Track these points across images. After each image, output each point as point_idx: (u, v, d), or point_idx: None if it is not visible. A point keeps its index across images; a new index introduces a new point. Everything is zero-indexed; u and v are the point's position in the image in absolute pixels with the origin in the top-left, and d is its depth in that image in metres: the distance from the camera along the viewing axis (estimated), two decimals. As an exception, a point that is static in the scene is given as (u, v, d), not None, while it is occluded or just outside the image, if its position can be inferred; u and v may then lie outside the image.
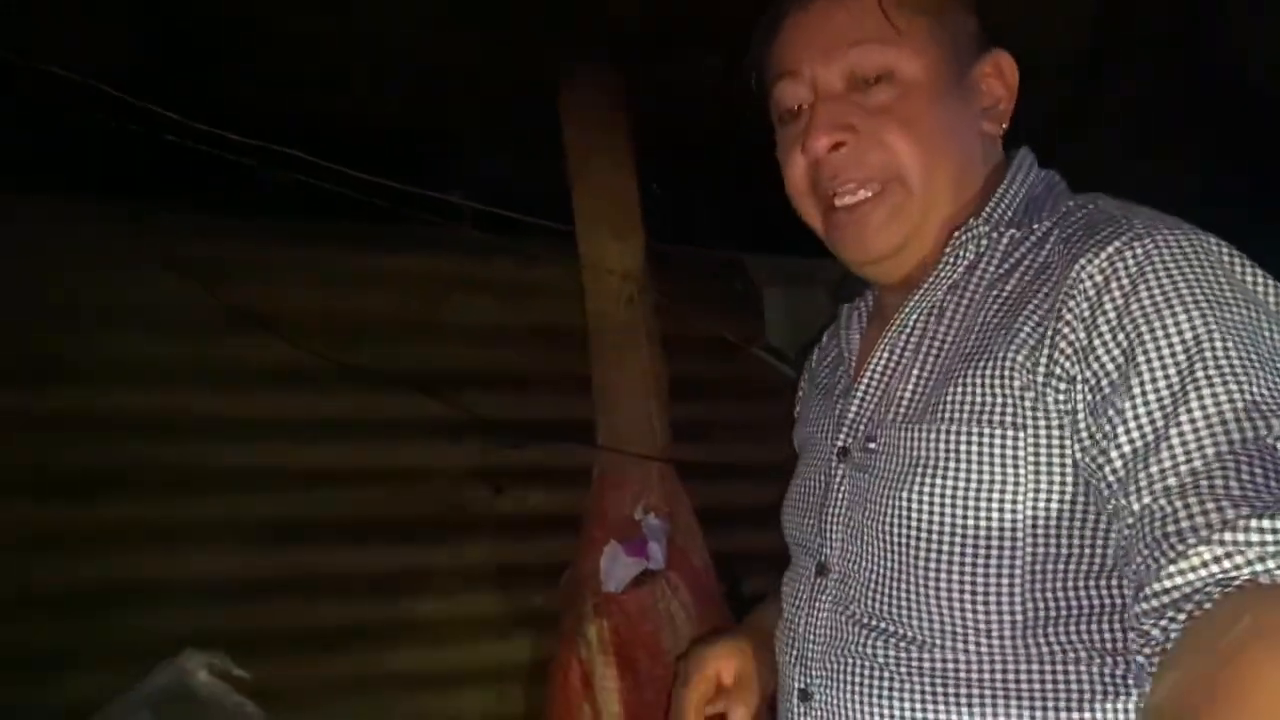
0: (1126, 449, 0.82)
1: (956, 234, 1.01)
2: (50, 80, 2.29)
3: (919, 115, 0.99)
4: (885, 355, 1.04)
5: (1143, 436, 0.82)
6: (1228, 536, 0.74)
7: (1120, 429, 0.83)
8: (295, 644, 2.79)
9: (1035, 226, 0.98)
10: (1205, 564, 0.75)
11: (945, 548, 0.93)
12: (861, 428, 1.03)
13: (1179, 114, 3.03)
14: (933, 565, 0.93)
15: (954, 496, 0.92)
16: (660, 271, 3.11)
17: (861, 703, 0.96)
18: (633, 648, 2.45)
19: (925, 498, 0.93)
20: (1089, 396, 0.86)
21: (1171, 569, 0.76)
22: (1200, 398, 0.79)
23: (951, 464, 0.92)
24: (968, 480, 0.92)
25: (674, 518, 2.66)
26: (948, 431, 0.93)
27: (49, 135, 2.54)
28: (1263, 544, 0.72)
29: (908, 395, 0.99)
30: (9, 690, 2.48)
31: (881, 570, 0.97)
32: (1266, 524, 0.73)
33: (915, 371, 1.00)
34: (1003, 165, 1.06)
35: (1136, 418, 0.82)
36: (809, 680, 1.03)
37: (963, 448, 0.92)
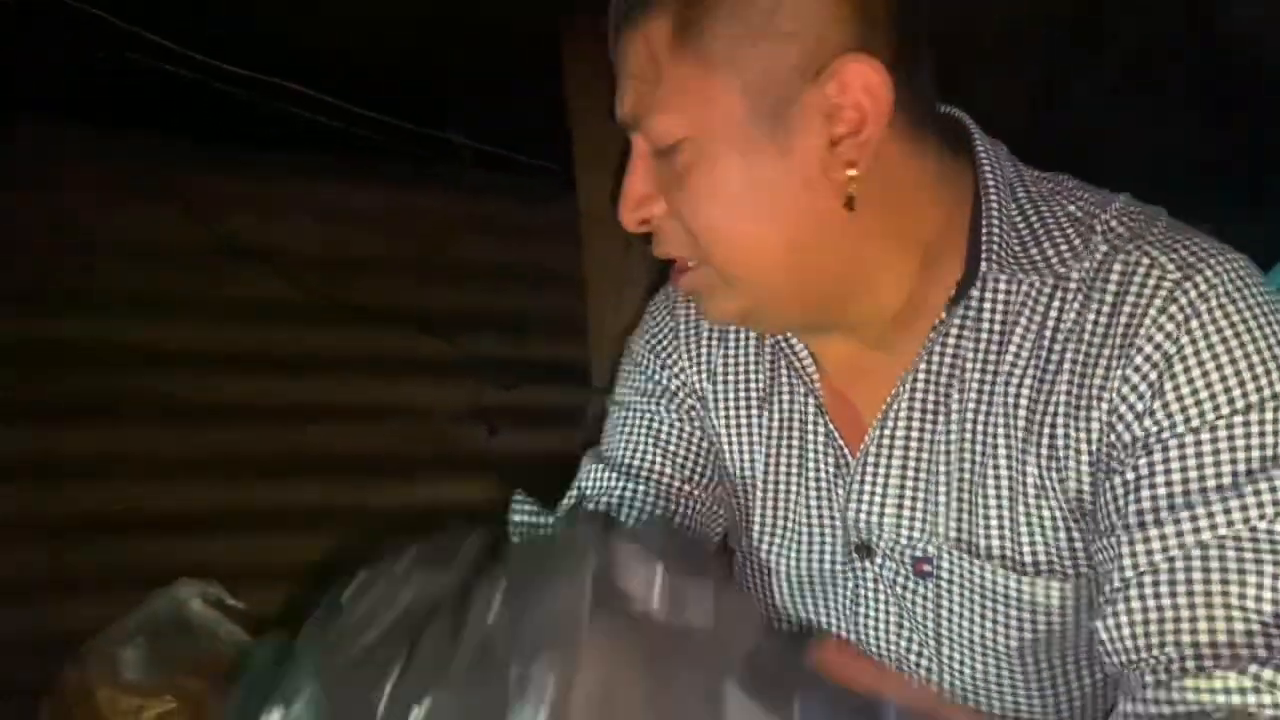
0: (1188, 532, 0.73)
1: (949, 309, 0.83)
2: (52, 9, 2.26)
3: (709, 186, 0.80)
4: (896, 429, 0.86)
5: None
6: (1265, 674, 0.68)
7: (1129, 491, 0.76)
8: (289, 578, 2.82)
9: (1049, 263, 0.80)
10: (1229, 691, 0.69)
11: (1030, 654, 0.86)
12: (897, 539, 0.86)
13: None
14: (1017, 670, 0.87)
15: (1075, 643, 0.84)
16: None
17: None
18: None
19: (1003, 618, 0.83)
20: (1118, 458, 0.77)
21: (1189, 683, 0.70)
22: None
23: (1047, 625, 0.82)
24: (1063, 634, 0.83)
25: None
26: (1031, 583, 0.81)
27: (49, 64, 2.52)
28: None
29: (938, 508, 0.84)
30: (11, 618, 2.52)
31: (976, 677, 0.88)
32: None
33: (943, 464, 0.84)
34: (960, 174, 0.85)
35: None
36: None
37: (1054, 598, 0.81)
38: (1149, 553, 0.72)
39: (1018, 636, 0.84)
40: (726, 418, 0.97)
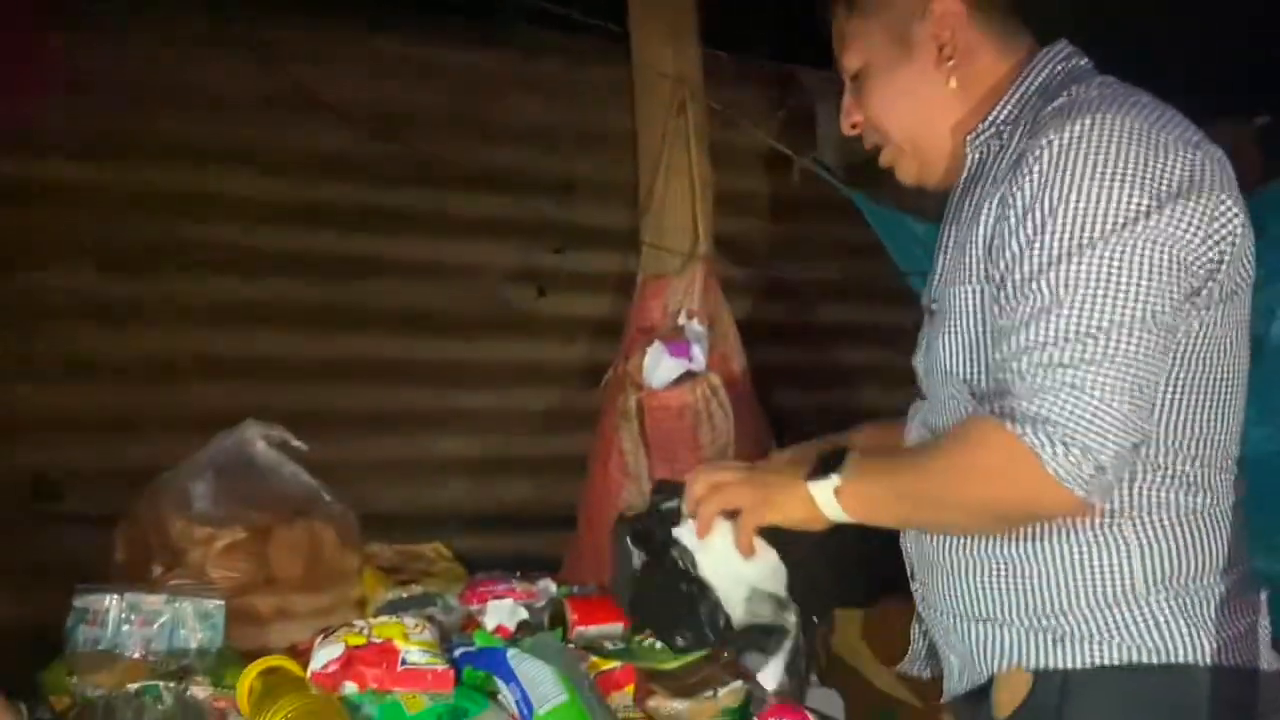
0: (1010, 288, 1.13)
1: (969, 139, 1.28)
2: None
3: (877, 93, 1.31)
4: (942, 243, 1.32)
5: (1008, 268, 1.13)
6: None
7: (1001, 259, 1.15)
8: (347, 425, 2.93)
9: (1029, 117, 1.21)
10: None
11: (976, 370, 1.23)
12: (932, 292, 1.32)
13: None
14: (978, 384, 1.22)
15: (971, 349, 1.23)
16: (712, 80, 3.06)
17: None
18: (673, 442, 2.55)
19: (953, 354, 1.24)
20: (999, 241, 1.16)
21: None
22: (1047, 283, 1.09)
23: (960, 326, 1.23)
24: (971, 334, 1.22)
25: (715, 325, 2.71)
26: (956, 293, 1.23)
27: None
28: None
29: (941, 265, 1.30)
30: (82, 452, 2.65)
31: (945, 410, 1.26)
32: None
33: (947, 251, 1.29)
34: (1022, 64, 1.28)
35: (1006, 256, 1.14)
36: None
37: (965, 303, 1.22)
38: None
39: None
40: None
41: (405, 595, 1.92)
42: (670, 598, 1.28)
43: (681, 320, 2.67)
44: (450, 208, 3.12)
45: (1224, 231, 1.10)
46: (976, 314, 1.20)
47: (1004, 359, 1.11)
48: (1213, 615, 1.16)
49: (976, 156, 1.27)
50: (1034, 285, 1.09)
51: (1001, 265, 1.13)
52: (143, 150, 2.75)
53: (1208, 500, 1.18)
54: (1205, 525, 1.17)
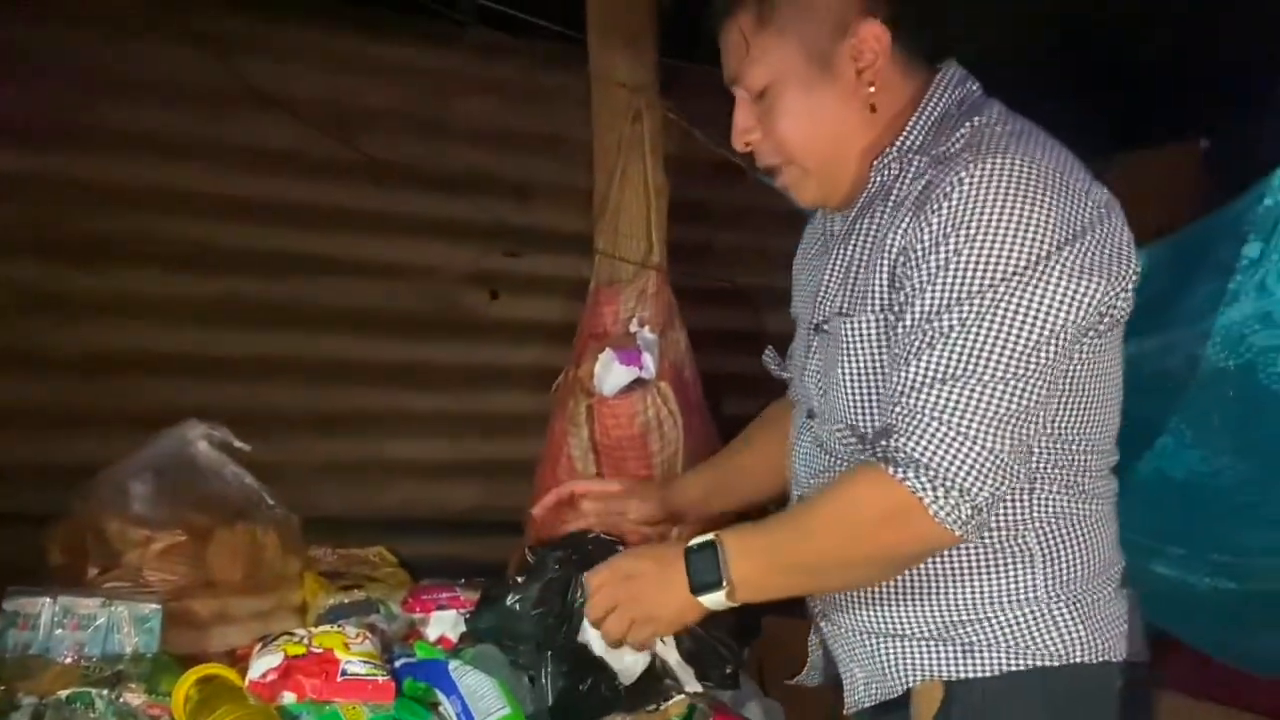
0: (909, 322, 1.16)
1: (875, 163, 1.28)
2: None
3: (787, 111, 1.27)
4: (832, 262, 1.33)
5: (908, 302, 1.17)
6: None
7: (902, 292, 1.19)
8: (292, 426, 2.89)
9: (937, 147, 1.23)
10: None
11: (868, 410, 1.26)
12: (826, 309, 1.32)
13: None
14: (864, 415, 1.25)
15: (867, 371, 1.26)
16: (669, 88, 3.06)
17: None
18: (621, 449, 2.56)
19: (851, 376, 1.27)
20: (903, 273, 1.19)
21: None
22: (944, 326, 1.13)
23: (859, 349, 1.25)
24: (870, 358, 1.25)
25: (667, 333, 2.71)
26: (854, 321, 1.25)
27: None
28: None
29: (833, 291, 1.31)
30: (18, 448, 2.58)
31: (838, 418, 1.29)
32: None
33: (833, 273, 1.32)
34: (924, 88, 1.30)
35: (908, 290, 1.17)
36: (802, 493, 1.38)
37: (863, 331, 1.24)
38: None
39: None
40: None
41: (347, 601, 1.90)
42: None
43: (633, 328, 2.67)
44: (404, 208, 3.09)
45: (1117, 271, 1.16)
46: (874, 344, 1.23)
47: (893, 393, 1.15)
48: (1102, 615, 1.25)
49: (879, 179, 1.28)
50: (931, 323, 1.13)
51: (902, 297, 1.18)
52: (89, 142, 2.69)
53: (1096, 506, 1.27)
54: (1095, 530, 1.26)
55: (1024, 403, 1.11)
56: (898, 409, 1.13)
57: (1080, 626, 1.23)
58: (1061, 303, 1.12)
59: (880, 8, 1.26)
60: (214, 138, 2.82)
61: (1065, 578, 1.24)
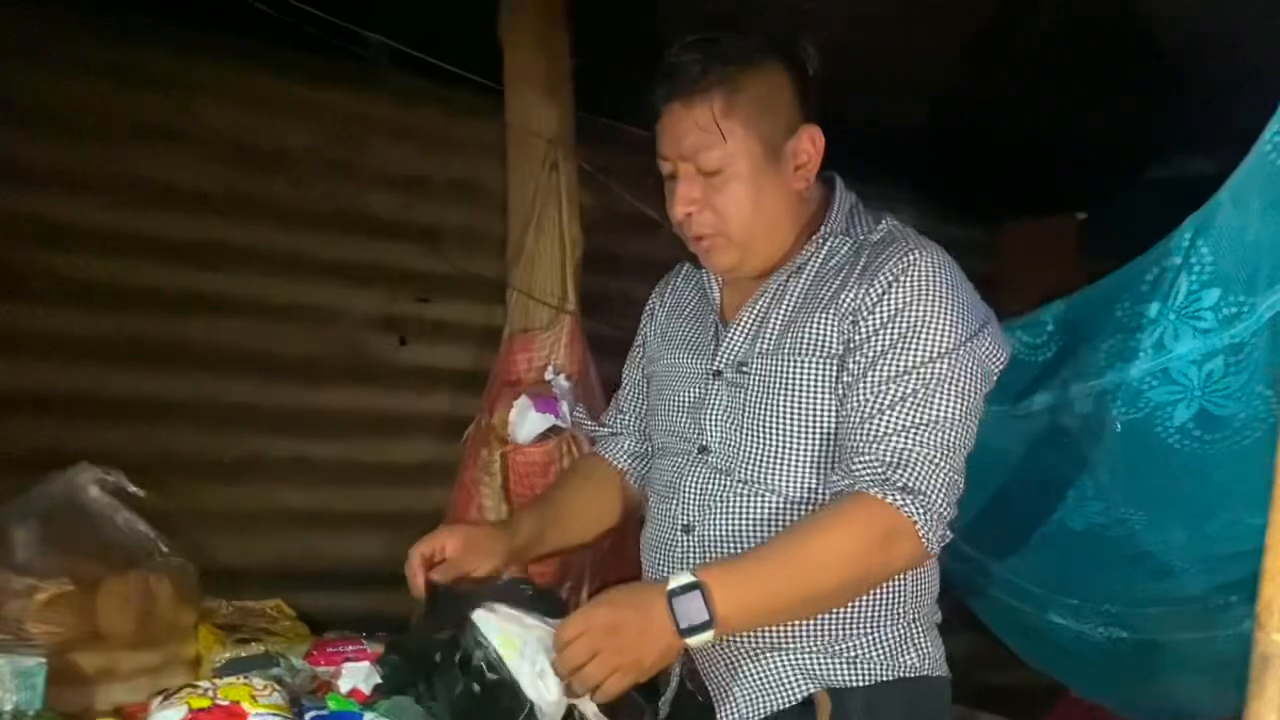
0: (862, 361, 1.40)
1: (806, 242, 1.50)
2: None
3: (739, 192, 1.45)
4: (749, 312, 1.52)
5: (870, 362, 1.40)
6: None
7: (860, 352, 1.41)
8: (191, 471, 2.79)
9: (854, 234, 1.50)
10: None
11: (801, 438, 1.45)
12: (734, 357, 1.51)
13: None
14: (791, 444, 1.45)
15: (808, 406, 1.45)
16: (583, 142, 3.09)
17: (730, 529, 1.48)
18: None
19: (792, 408, 1.45)
20: (859, 336, 1.42)
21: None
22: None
23: (805, 386, 1.45)
24: (814, 395, 1.44)
25: (581, 382, 2.71)
26: (800, 364, 1.44)
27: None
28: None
29: (769, 337, 1.49)
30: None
31: (755, 449, 1.47)
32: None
33: (771, 324, 1.50)
34: (829, 188, 1.55)
35: (869, 352, 1.40)
36: (691, 519, 1.51)
37: (810, 373, 1.44)
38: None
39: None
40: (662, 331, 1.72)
41: (245, 655, 1.83)
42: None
43: (549, 375, 2.66)
44: (312, 250, 3.03)
45: (1004, 345, 1.46)
46: (821, 384, 1.43)
47: (873, 436, 1.36)
48: (936, 634, 1.52)
49: (809, 251, 1.50)
50: (899, 381, 1.36)
51: (860, 356, 1.40)
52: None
53: None
54: (936, 560, 1.50)
55: (967, 443, 1.39)
56: (884, 448, 1.35)
57: (930, 644, 1.50)
58: (982, 369, 1.41)
59: (813, 114, 1.49)
60: (115, 172, 2.72)
61: (921, 601, 1.49)
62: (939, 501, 1.33)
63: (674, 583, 1.27)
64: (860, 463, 1.37)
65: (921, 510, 1.32)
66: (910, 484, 1.33)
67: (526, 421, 2.52)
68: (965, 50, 3.11)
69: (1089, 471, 2.15)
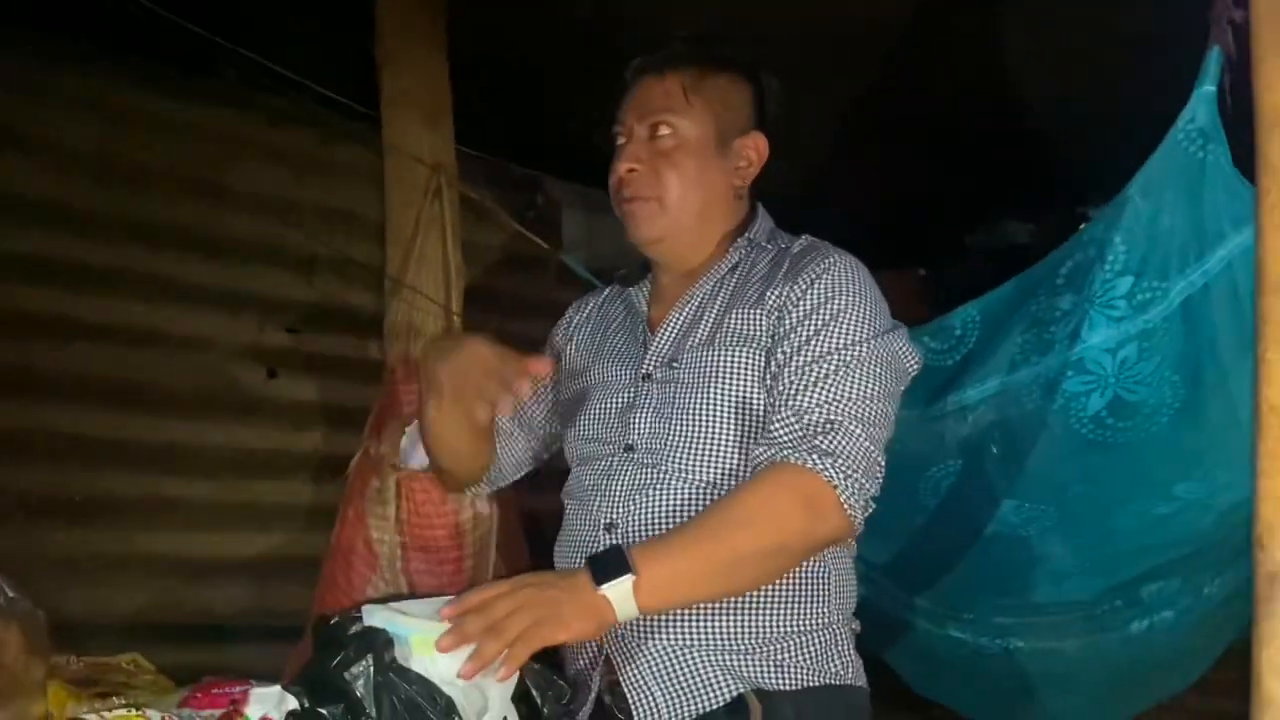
0: (788, 349, 1.47)
1: (732, 246, 1.59)
2: None
3: (684, 162, 1.55)
4: (679, 313, 1.59)
5: (795, 349, 1.47)
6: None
7: (786, 341, 1.48)
8: (32, 511, 2.57)
9: (775, 245, 1.60)
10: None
11: (728, 421, 1.49)
12: (664, 357, 1.56)
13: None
14: (717, 429, 1.48)
15: (737, 392, 1.50)
16: (463, 177, 3.03)
17: (652, 518, 1.47)
18: (432, 526, 2.43)
19: (721, 394, 1.50)
20: (784, 327, 1.50)
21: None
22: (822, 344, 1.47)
23: (735, 373, 1.50)
24: (743, 382, 1.50)
25: (472, 411, 2.61)
26: (730, 353, 1.50)
27: None
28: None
29: (699, 334, 1.55)
30: None
31: (681, 437, 1.49)
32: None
33: (702, 322, 1.56)
34: (753, 208, 1.65)
35: (794, 340, 1.48)
36: (614, 516, 1.50)
37: (739, 361, 1.50)
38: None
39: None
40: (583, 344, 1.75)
41: (108, 714, 1.64)
42: None
43: (437, 405, 2.55)
44: (177, 273, 2.86)
45: (916, 350, 1.54)
46: (753, 373, 1.49)
47: (796, 410, 1.42)
48: (854, 643, 1.54)
49: (735, 256, 1.59)
50: (821, 362, 1.44)
51: (785, 345, 1.47)
52: None
53: (854, 548, 1.56)
54: (854, 571, 1.56)
55: (886, 431, 1.46)
56: (806, 420, 1.41)
57: (851, 653, 1.52)
58: (896, 364, 1.49)
59: (765, 124, 1.61)
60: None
61: (843, 610, 1.52)
62: (858, 469, 1.38)
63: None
64: (781, 429, 1.42)
65: (841, 475, 1.36)
66: (829, 448, 1.37)
67: (419, 449, 2.40)
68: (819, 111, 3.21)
69: (1003, 470, 2.19)
